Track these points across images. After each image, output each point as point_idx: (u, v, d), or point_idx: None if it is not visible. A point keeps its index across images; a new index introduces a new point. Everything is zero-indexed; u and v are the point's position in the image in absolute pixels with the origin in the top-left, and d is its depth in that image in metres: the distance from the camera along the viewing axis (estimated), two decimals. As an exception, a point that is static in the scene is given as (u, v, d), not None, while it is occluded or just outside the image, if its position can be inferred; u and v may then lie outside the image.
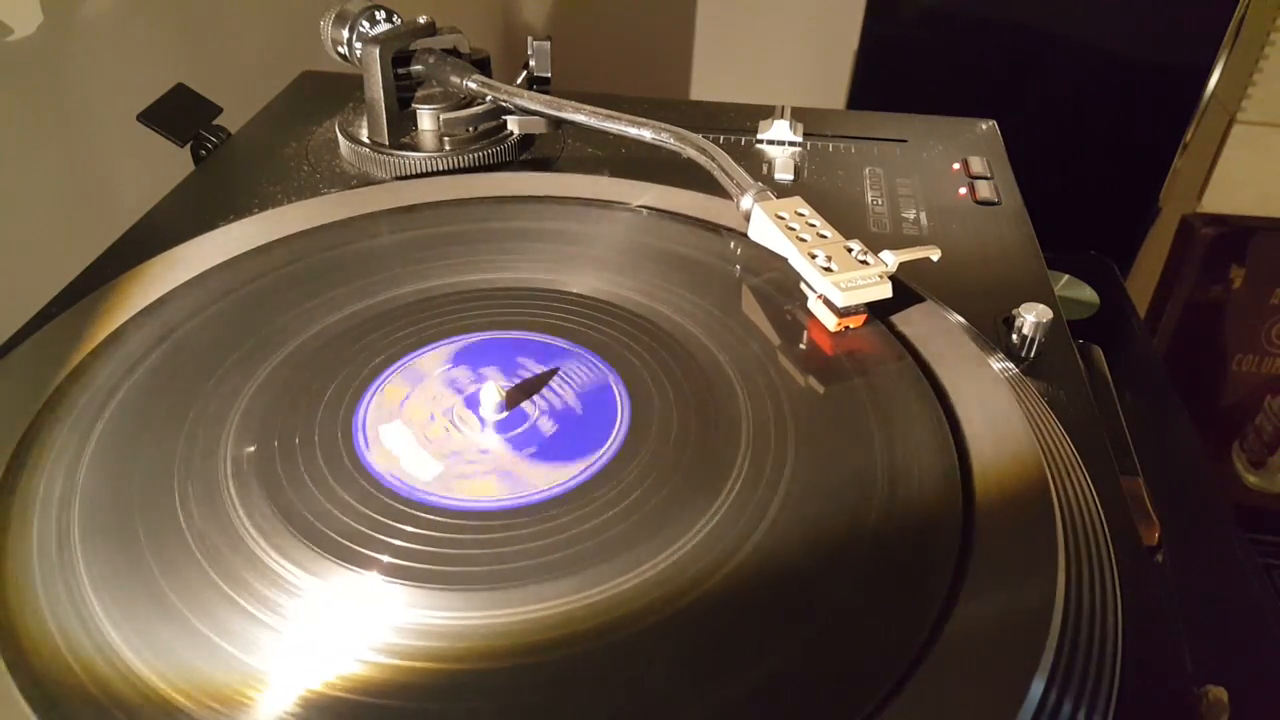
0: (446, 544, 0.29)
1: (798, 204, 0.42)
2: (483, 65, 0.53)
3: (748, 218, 0.42)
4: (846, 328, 0.38)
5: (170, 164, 0.53)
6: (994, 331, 0.40)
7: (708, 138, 0.46)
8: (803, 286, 0.40)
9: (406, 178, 0.50)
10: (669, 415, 0.34)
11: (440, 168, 0.50)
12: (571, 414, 0.34)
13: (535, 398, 0.35)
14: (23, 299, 0.41)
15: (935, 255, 0.40)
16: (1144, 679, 0.27)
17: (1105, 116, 0.93)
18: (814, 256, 0.39)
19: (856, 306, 0.38)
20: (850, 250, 0.39)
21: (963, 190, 0.52)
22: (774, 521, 0.30)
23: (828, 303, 0.38)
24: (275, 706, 0.25)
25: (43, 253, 0.55)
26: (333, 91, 0.60)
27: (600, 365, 0.37)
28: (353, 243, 0.44)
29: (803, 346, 0.38)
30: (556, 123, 0.50)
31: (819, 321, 0.39)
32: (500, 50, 1.14)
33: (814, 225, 0.41)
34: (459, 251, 0.43)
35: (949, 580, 0.28)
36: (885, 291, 0.38)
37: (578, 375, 0.36)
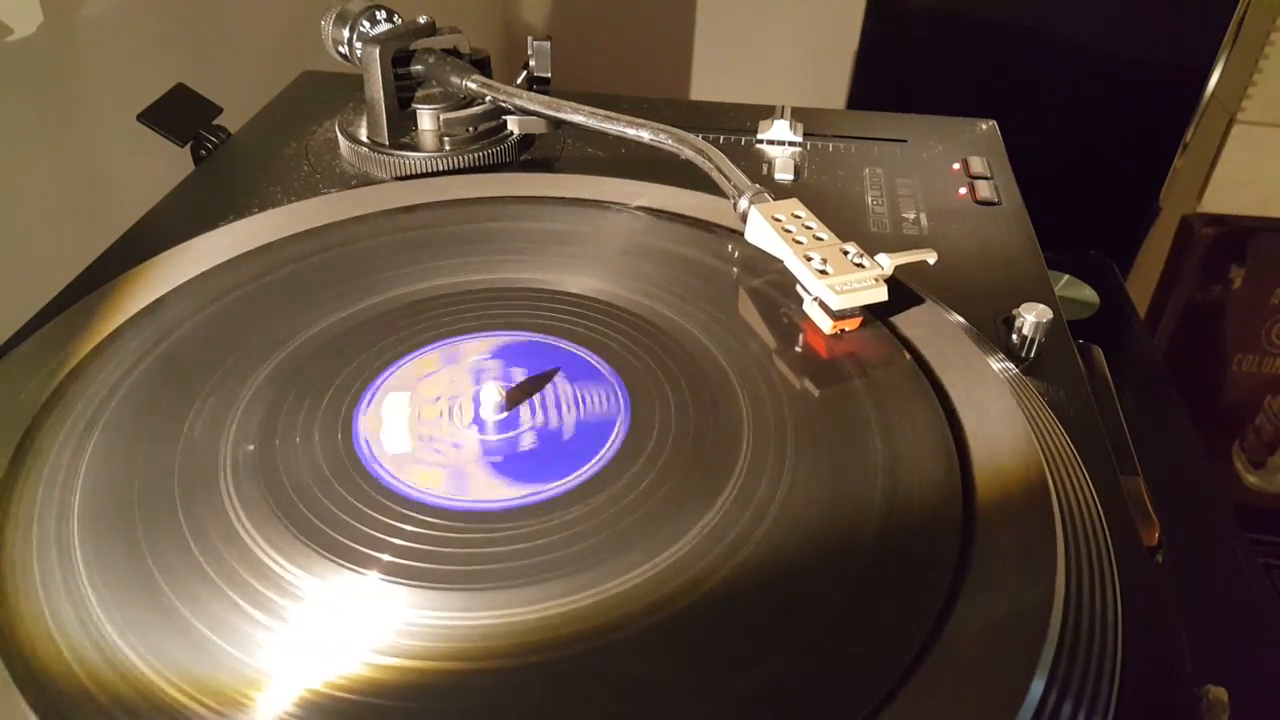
0: (446, 544, 0.29)
1: (795, 206, 0.42)
2: (483, 65, 0.53)
3: (744, 219, 0.42)
4: (842, 330, 0.38)
5: (170, 164, 0.53)
6: (994, 331, 0.40)
7: (707, 138, 0.46)
8: (799, 289, 0.40)
9: (406, 178, 0.50)
10: (669, 415, 0.34)
11: (440, 168, 0.50)
12: (568, 417, 0.34)
13: (535, 400, 0.35)
14: (23, 299, 0.41)
15: (932, 258, 0.40)
16: (1144, 679, 0.27)
17: (1105, 116, 0.93)
18: (809, 259, 0.39)
19: (852, 310, 0.38)
20: (846, 253, 0.39)
21: (963, 190, 0.52)
22: (774, 521, 0.30)
23: (823, 305, 0.38)
24: (275, 706, 0.25)
25: (43, 253, 0.55)
26: (333, 91, 0.60)
27: (600, 365, 0.37)
28: (352, 243, 0.44)
29: (801, 347, 0.38)
30: (556, 123, 0.50)
31: (815, 324, 0.39)
32: (500, 50, 1.14)
33: (810, 228, 0.41)
34: (458, 251, 0.43)
35: (949, 580, 0.28)
36: (881, 295, 0.38)
37: (578, 376, 0.36)
